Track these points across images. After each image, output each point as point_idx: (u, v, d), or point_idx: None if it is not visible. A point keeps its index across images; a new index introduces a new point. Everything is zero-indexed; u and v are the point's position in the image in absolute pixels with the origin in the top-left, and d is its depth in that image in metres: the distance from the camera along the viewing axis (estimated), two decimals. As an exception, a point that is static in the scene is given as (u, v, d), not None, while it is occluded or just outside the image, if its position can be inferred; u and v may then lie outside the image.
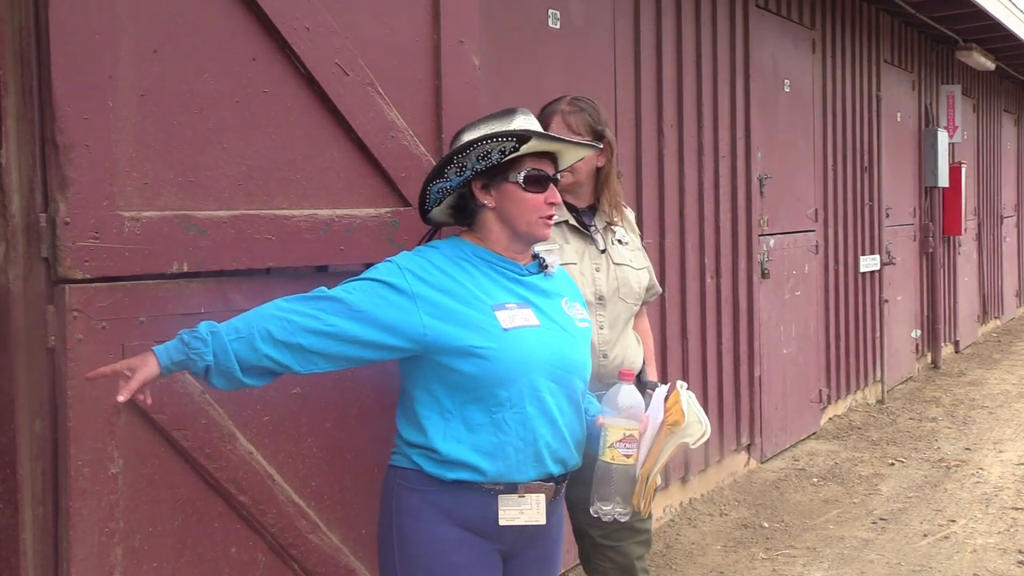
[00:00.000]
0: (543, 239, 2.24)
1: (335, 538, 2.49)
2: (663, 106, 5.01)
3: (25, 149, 2.07)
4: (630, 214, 3.03)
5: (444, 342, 2.08)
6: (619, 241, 2.90)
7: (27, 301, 2.08)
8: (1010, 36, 9.33)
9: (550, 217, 2.21)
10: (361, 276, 2.13)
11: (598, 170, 2.86)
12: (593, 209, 2.89)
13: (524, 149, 2.15)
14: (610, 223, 2.88)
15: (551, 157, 2.25)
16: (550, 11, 4.22)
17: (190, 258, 2.21)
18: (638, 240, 3.00)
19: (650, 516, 2.96)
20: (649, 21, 4.91)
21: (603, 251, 2.84)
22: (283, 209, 2.38)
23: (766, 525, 5.11)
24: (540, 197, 2.19)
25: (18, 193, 2.07)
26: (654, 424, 2.16)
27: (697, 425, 2.14)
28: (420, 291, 2.09)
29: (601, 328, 2.77)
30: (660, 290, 3.07)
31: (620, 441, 2.13)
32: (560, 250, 2.70)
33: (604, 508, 2.16)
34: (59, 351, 2.06)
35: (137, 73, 2.15)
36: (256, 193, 2.34)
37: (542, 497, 2.16)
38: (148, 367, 1.94)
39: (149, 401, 2.00)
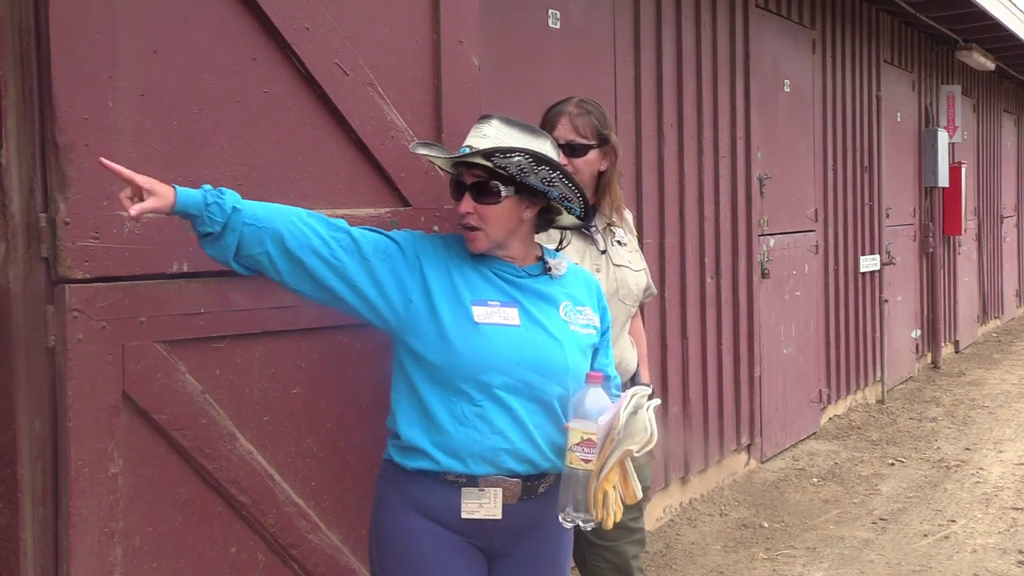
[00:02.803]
0: (470, 250, 2.21)
1: (335, 538, 2.49)
2: (663, 106, 5.01)
3: (25, 149, 2.07)
4: (628, 215, 3.03)
5: (417, 321, 2.13)
6: (618, 242, 2.90)
7: (27, 301, 2.08)
8: (1010, 36, 9.33)
9: (469, 228, 2.18)
10: (382, 231, 2.19)
11: (600, 174, 2.86)
12: (593, 210, 2.89)
13: (438, 162, 2.25)
14: (610, 224, 2.88)
15: (480, 167, 2.19)
16: (550, 11, 4.22)
17: (190, 258, 2.21)
18: (635, 241, 3.00)
19: (641, 515, 2.95)
20: (649, 21, 4.91)
21: (603, 252, 2.84)
22: (283, 209, 2.38)
23: (766, 525, 5.11)
24: (459, 205, 2.20)
25: (18, 193, 2.07)
26: (604, 429, 2.10)
27: (643, 432, 2.08)
28: (422, 267, 2.16)
29: (600, 328, 2.77)
30: (655, 292, 3.07)
31: (578, 445, 2.08)
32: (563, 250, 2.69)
33: (571, 514, 2.11)
34: (59, 351, 2.06)
35: (137, 73, 2.15)
36: (256, 193, 2.34)
37: (499, 492, 2.15)
38: (164, 201, 1.97)
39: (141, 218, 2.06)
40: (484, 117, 2.24)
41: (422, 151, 2.25)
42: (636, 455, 2.08)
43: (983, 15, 8.33)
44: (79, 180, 2.05)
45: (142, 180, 1.96)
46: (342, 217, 2.47)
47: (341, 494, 2.51)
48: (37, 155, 2.06)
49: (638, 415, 2.08)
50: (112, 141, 2.11)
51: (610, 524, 2.09)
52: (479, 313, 2.14)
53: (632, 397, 2.09)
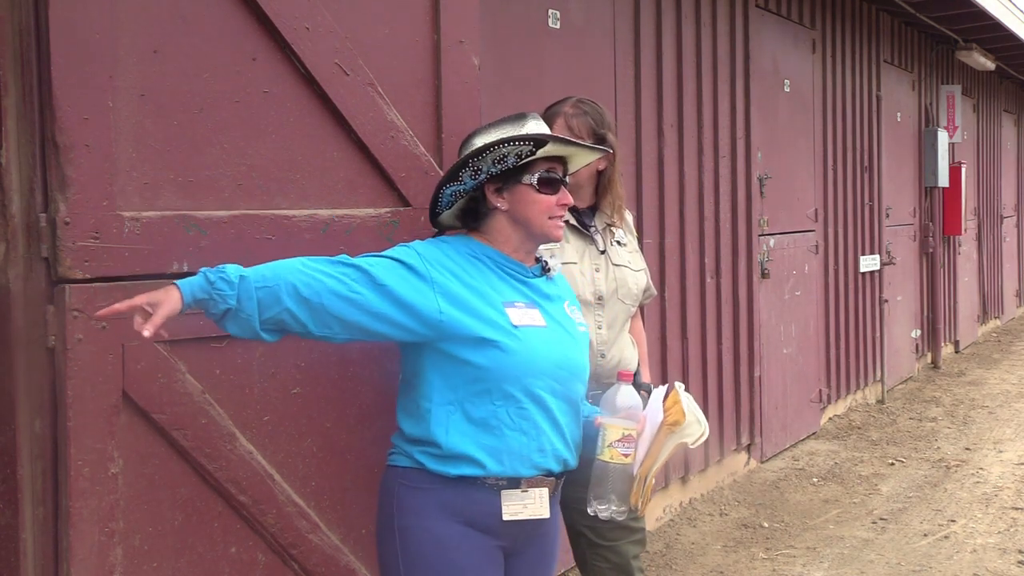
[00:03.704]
0: (556, 240, 2.27)
1: (335, 538, 2.49)
2: (663, 106, 5.01)
3: (25, 149, 2.07)
4: (628, 216, 3.03)
5: (458, 330, 2.10)
6: (618, 242, 2.91)
7: (27, 301, 2.08)
8: (1010, 36, 9.33)
9: (561, 218, 2.25)
10: (379, 253, 2.15)
11: (600, 173, 2.86)
12: (593, 210, 2.89)
13: (540, 153, 2.19)
14: (610, 224, 2.88)
15: (561, 160, 2.28)
16: (550, 11, 4.22)
17: (190, 258, 2.21)
18: (635, 242, 3.01)
19: (638, 517, 2.96)
20: (649, 21, 4.91)
21: (603, 252, 2.84)
22: (283, 209, 2.38)
23: (766, 525, 5.11)
24: (552, 199, 2.22)
25: (18, 193, 2.07)
26: (652, 424, 2.19)
27: (696, 425, 2.18)
28: (437, 277, 2.12)
29: (599, 328, 2.77)
30: (655, 293, 3.07)
31: (619, 441, 2.15)
32: (560, 250, 2.70)
33: (601, 507, 2.19)
34: (59, 351, 2.06)
35: (137, 73, 2.15)
36: (256, 193, 2.34)
37: (545, 491, 2.17)
38: (171, 302, 1.89)
39: (166, 336, 1.94)
40: (532, 114, 2.28)
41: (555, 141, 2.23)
42: (691, 447, 2.19)
43: (983, 15, 8.33)
44: (79, 180, 2.05)
45: (140, 299, 1.89)
46: (342, 217, 2.47)
47: (341, 494, 2.51)
48: (37, 155, 2.06)
49: (687, 409, 2.20)
50: (112, 141, 2.11)
51: (645, 512, 2.22)
52: (513, 315, 2.15)
53: (681, 391, 2.20)
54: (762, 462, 6.14)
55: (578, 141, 2.28)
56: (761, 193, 6.01)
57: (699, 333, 5.37)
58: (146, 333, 1.86)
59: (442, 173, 2.64)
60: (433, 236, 2.37)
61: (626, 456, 2.16)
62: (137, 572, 2.17)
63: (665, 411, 2.17)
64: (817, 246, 6.93)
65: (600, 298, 2.80)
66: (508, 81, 3.90)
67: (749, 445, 5.98)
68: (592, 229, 2.85)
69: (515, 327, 2.13)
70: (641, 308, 3.05)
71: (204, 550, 2.28)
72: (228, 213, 2.28)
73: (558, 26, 4.26)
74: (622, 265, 2.88)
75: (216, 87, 2.28)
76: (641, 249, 3.06)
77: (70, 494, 2.06)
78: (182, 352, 2.21)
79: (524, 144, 2.16)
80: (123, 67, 2.13)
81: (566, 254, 2.74)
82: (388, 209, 2.58)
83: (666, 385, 2.26)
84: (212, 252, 2.24)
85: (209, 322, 2.21)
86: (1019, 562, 4.52)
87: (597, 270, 2.82)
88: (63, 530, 2.07)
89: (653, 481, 2.19)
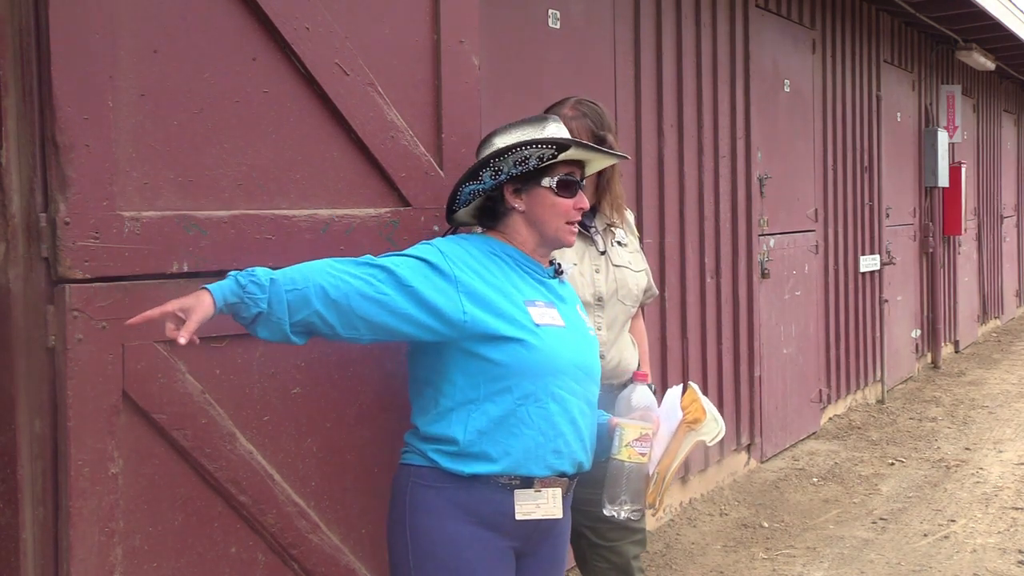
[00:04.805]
0: (568, 245, 2.29)
1: (335, 538, 2.49)
2: (663, 106, 5.01)
3: (25, 149, 2.07)
4: (629, 216, 3.03)
5: (481, 329, 2.10)
6: (619, 243, 2.91)
7: (27, 301, 2.08)
8: (1010, 36, 9.33)
9: (576, 223, 2.27)
10: (402, 252, 2.15)
11: (599, 173, 2.86)
12: (593, 210, 2.89)
13: (561, 157, 2.21)
14: (610, 224, 2.88)
15: (579, 164, 2.30)
16: (550, 11, 4.22)
17: (190, 258, 2.21)
18: (636, 242, 3.01)
19: (643, 515, 2.96)
20: (649, 21, 4.91)
21: (603, 252, 2.84)
22: (283, 209, 2.38)
23: (766, 525, 5.11)
24: (570, 202, 2.24)
25: (18, 193, 2.07)
26: (669, 423, 2.23)
27: (713, 423, 2.23)
28: (460, 276, 2.12)
29: (599, 329, 2.77)
30: (657, 293, 3.08)
31: (636, 440, 2.18)
32: (561, 252, 2.70)
33: (616, 508, 2.20)
34: (59, 351, 2.06)
35: (137, 73, 2.15)
36: (256, 193, 2.34)
37: (558, 491, 2.17)
38: (203, 308, 1.88)
39: (197, 341, 1.92)
40: (553, 117, 2.31)
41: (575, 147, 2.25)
42: (708, 445, 2.25)
43: (983, 15, 8.34)
44: (79, 180, 2.05)
45: (172, 306, 1.88)
46: (342, 217, 2.47)
47: (341, 494, 2.51)
48: (37, 155, 2.06)
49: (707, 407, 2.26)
50: (112, 141, 2.11)
51: (662, 510, 2.26)
52: (535, 314, 2.16)
53: (698, 390, 2.26)
54: (762, 462, 6.14)
55: (600, 147, 2.31)
56: (761, 193, 6.01)
57: (699, 333, 5.37)
58: (182, 340, 1.85)
59: (442, 173, 2.65)
60: (446, 232, 2.38)
61: (643, 455, 2.19)
62: (137, 572, 2.17)
63: (684, 410, 2.20)
64: (817, 246, 6.93)
65: (600, 299, 2.80)
66: (508, 81, 3.90)
67: (749, 445, 5.98)
68: (592, 230, 2.85)
69: (537, 326, 2.14)
70: (642, 307, 3.05)
71: (204, 550, 2.28)
72: (228, 213, 2.28)
73: (558, 26, 4.26)
74: (622, 266, 2.88)
75: (216, 87, 2.28)
76: (641, 249, 3.06)
77: (70, 494, 2.06)
78: (182, 352, 2.20)
79: (546, 147, 2.18)
80: (123, 67, 2.13)
81: (566, 255, 2.74)
82: (388, 209, 2.58)
83: (679, 386, 2.30)
84: (212, 252, 2.24)
85: (209, 322, 2.21)
86: (1019, 562, 4.52)
87: (597, 271, 2.82)
88: (63, 530, 2.07)
89: (672, 479, 2.24)
